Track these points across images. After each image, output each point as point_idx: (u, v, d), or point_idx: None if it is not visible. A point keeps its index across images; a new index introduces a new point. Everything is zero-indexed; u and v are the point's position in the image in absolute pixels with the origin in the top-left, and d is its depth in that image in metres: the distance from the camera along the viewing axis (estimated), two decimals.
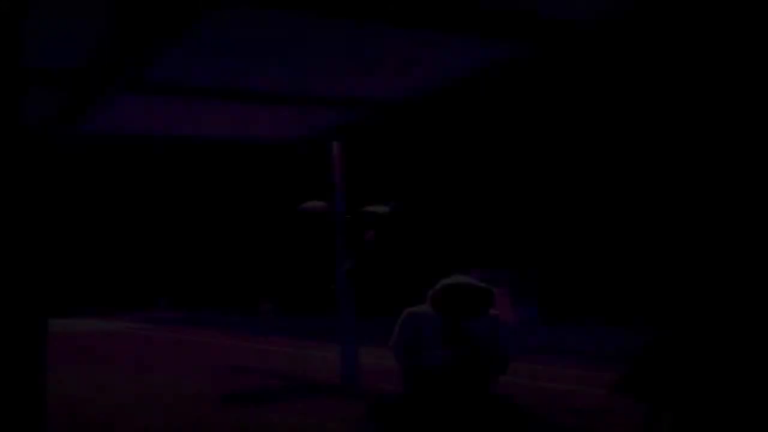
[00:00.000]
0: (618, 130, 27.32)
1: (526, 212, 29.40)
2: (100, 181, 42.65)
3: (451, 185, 29.83)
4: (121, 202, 44.49)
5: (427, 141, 31.61)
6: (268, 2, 3.14)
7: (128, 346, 14.62)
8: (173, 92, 4.67)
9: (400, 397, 2.68)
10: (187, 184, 43.13)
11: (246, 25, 3.61)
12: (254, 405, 7.67)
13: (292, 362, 11.25)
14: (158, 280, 38.10)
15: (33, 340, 1.72)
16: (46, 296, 5.30)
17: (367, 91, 4.99)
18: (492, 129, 31.30)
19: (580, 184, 29.03)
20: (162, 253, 43.59)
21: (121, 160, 39.93)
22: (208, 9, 3.07)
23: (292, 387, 8.86)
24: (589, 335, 16.80)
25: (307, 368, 10.50)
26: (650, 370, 4.65)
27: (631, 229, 25.96)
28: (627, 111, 26.82)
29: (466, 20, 3.47)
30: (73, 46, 3.78)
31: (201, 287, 38.36)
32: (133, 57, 3.66)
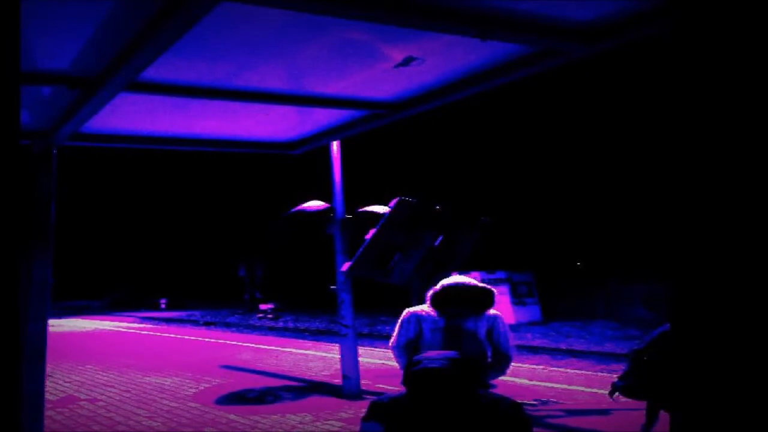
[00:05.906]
0: (617, 132, 27.32)
1: (525, 212, 29.40)
2: (99, 182, 42.63)
3: (451, 185, 29.83)
4: (120, 202, 44.46)
5: (427, 141, 31.62)
6: (268, 1, 3.13)
7: (128, 346, 14.63)
8: (173, 92, 4.66)
9: (400, 397, 2.68)
10: (186, 185, 43.11)
11: (246, 24, 3.62)
12: (254, 405, 7.68)
13: (292, 362, 11.26)
14: (159, 280, 38.13)
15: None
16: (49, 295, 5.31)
17: (366, 91, 4.99)
18: (492, 129, 31.31)
19: (580, 184, 29.02)
20: (163, 253, 43.59)
21: (120, 161, 39.92)
22: (208, 8, 3.07)
23: (292, 387, 8.87)
24: (589, 335, 16.81)
25: (307, 368, 10.50)
26: (649, 369, 4.66)
27: (631, 228, 25.96)
28: (626, 114, 26.80)
29: (467, 20, 3.47)
30: (71, 45, 3.78)
31: (202, 287, 38.38)
32: (132, 56, 3.66)
